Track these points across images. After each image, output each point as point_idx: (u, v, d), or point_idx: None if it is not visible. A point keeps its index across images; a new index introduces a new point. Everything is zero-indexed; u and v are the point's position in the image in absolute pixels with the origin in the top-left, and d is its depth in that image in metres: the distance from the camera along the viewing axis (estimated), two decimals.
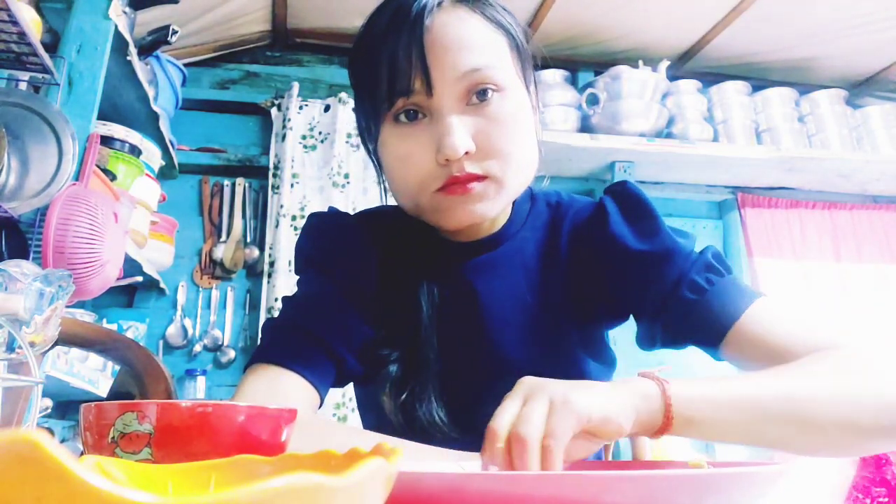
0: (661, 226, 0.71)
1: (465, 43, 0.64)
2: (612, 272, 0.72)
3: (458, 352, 0.72)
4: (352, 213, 0.83)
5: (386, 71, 0.64)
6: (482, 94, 0.64)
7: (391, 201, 0.75)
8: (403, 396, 0.68)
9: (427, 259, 0.75)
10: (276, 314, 0.92)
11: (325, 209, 0.81)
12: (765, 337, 0.61)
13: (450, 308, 0.73)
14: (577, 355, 0.74)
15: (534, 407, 0.45)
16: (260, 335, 0.86)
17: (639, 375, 0.53)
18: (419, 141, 0.65)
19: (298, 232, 2.24)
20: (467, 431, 0.62)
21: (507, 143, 0.65)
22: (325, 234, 0.77)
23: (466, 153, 0.63)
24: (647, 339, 0.71)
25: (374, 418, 0.78)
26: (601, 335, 0.79)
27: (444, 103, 0.63)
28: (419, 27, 0.63)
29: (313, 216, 0.80)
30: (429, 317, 0.72)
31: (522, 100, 0.68)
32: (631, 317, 0.74)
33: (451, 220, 0.67)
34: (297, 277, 0.77)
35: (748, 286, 0.67)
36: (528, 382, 0.49)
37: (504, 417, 0.46)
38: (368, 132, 0.71)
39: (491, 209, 0.67)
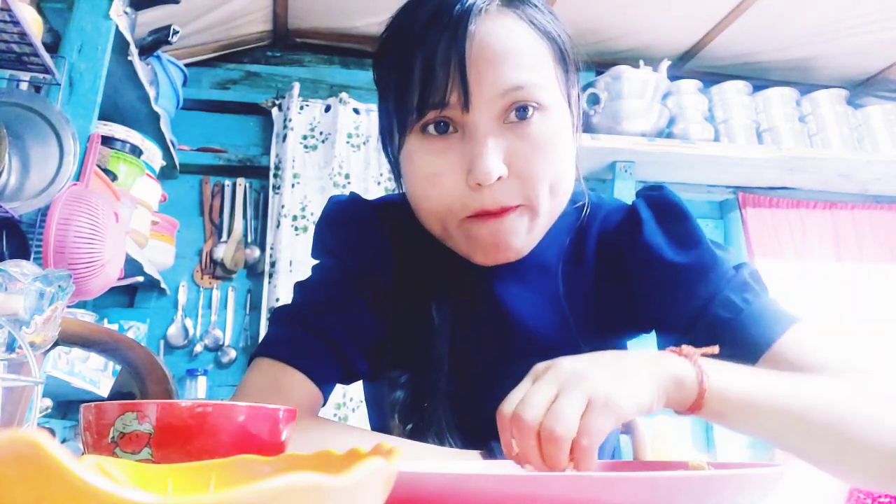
0: (701, 237, 0.66)
1: (510, 56, 0.58)
2: (643, 282, 0.67)
3: (474, 368, 0.68)
4: None
5: (419, 78, 0.58)
6: (522, 111, 0.59)
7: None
8: (412, 424, 0.64)
9: (444, 264, 0.70)
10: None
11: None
12: (802, 364, 0.57)
13: (467, 320, 0.69)
14: None
15: (569, 402, 0.43)
16: (268, 323, 0.84)
17: (671, 352, 0.50)
18: (449, 159, 0.59)
19: (299, 232, 2.27)
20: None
21: (543, 168, 0.60)
22: (343, 221, 0.74)
23: (499, 178, 0.58)
24: None
25: (380, 416, 0.77)
26: (620, 347, 0.74)
27: (480, 121, 0.58)
28: (462, 33, 0.57)
29: (333, 201, 0.76)
30: (440, 334, 0.67)
31: (563, 119, 0.63)
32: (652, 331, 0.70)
33: (479, 256, 0.63)
34: (315, 262, 0.74)
35: (785, 309, 0.62)
36: (561, 369, 0.45)
37: (535, 409, 0.43)
38: (390, 135, 0.66)
39: (524, 243, 0.62)
